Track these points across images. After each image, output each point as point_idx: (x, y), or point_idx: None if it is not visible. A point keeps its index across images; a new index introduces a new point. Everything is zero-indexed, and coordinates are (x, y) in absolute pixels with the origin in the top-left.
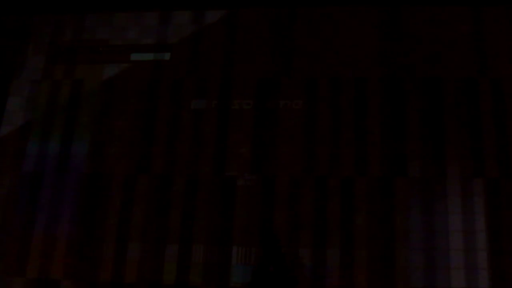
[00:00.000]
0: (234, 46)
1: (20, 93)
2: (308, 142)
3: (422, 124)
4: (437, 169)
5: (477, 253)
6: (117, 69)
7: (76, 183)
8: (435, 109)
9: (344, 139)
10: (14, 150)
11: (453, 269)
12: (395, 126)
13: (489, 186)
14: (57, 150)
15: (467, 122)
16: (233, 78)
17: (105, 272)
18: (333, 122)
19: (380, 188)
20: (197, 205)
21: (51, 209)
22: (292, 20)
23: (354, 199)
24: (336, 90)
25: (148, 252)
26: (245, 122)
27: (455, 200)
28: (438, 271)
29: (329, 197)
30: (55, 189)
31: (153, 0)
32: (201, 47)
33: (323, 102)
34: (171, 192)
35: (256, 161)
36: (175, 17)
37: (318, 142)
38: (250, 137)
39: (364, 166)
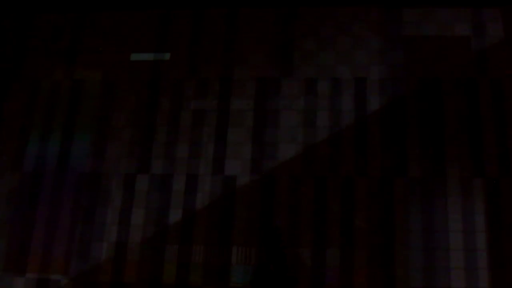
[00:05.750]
0: (234, 46)
1: (20, 93)
2: (308, 142)
3: (422, 124)
4: (437, 169)
5: (477, 253)
6: (117, 69)
7: (76, 183)
8: (435, 109)
9: (344, 139)
10: (14, 150)
11: (453, 269)
12: (395, 126)
13: (489, 186)
14: (57, 150)
15: (467, 122)
16: (233, 78)
17: (105, 272)
18: (333, 122)
19: (380, 188)
20: (197, 205)
21: (51, 209)
22: (292, 20)
23: (354, 199)
24: (336, 90)
25: (148, 252)
26: (245, 122)
27: (455, 200)
28: (438, 271)
29: (329, 197)
30: (55, 189)
31: (153, 0)
32: (201, 47)
33: (323, 102)
34: (171, 192)
35: (256, 161)
36: (175, 17)
37: (318, 142)
38: (250, 137)
39: (364, 166)
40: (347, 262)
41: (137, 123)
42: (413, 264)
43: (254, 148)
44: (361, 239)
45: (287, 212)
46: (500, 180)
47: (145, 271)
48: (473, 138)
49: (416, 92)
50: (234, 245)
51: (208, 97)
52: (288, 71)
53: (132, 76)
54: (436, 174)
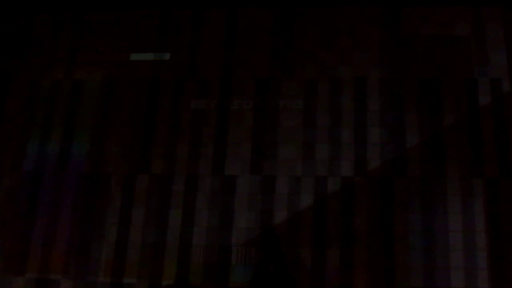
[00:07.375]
0: (234, 46)
1: (20, 93)
2: (308, 142)
3: (422, 124)
4: (437, 169)
5: (477, 253)
6: (117, 69)
7: (76, 183)
8: (435, 109)
9: (344, 139)
10: (14, 150)
11: (453, 269)
12: (394, 126)
13: (489, 186)
14: (57, 150)
15: (467, 122)
16: (233, 78)
17: (105, 272)
18: (333, 122)
19: (380, 188)
20: (197, 205)
21: (51, 209)
22: (292, 20)
23: (354, 199)
24: (336, 90)
25: (148, 251)
26: (245, 122)
27: (455, 200)
28: (438, 271)
29: (329, 197)
30: (55, 189)
31: (153, 0)
32: (201, 47)
33: (323, 102)
34: (171, 192)
35: (256, 161)
36: (175, 17)
37: (318, 142)
38: (250, 137)
39: (364, 166)
40: (347, 262)
41: (137, 123)
42: (413, 264)
43: (254, 148)
44: (361, 239)
45: (287, 212)
46: (500, 180)
47: (145, 271)
48: (473, 138)
49: (416, 92)
50: (234, 245)
51: (208, 97)
52: (288, 71)
53: (132, 76)
54: (436, 174)
